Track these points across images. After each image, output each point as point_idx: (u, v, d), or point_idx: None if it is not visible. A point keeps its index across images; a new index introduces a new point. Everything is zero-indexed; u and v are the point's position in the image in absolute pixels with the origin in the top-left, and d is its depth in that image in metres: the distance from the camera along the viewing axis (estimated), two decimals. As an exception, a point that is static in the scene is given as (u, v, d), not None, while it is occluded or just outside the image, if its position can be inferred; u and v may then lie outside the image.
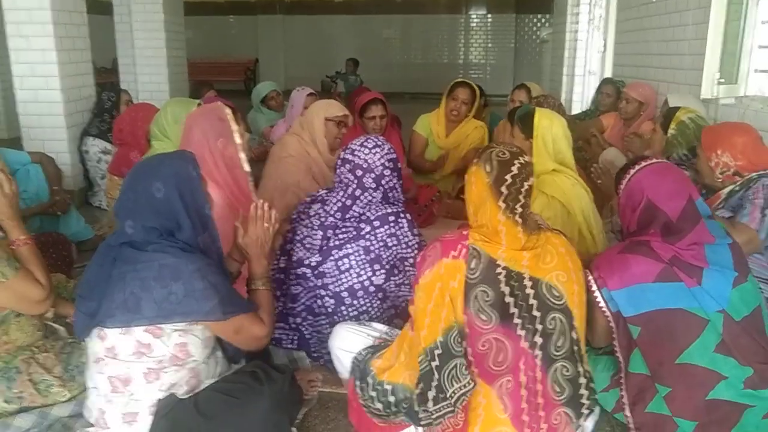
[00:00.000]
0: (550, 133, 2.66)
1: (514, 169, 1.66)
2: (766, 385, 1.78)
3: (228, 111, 2.51)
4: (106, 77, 8.87)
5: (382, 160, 2.28)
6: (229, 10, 14.31)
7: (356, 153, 2.29)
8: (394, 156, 2.33)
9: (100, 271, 1.69)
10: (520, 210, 1.67)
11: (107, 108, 4.55)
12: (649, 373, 1.84)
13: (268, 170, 3.25)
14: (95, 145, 4.46)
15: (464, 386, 1.63)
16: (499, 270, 1.64)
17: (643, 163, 1.93)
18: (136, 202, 1.69)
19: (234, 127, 2.48)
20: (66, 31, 4.40)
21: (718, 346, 1.78)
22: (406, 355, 1.74)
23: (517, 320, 1.64)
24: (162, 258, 1.65)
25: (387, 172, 2.28)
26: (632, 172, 1.93)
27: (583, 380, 1.70)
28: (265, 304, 1.92)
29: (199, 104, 3.22)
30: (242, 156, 2.48)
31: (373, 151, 2.29)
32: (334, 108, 3.35)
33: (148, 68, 6.51)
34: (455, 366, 1.62)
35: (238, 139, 2.47)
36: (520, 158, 1.69)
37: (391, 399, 1.73)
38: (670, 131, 2.97)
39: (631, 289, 1.82)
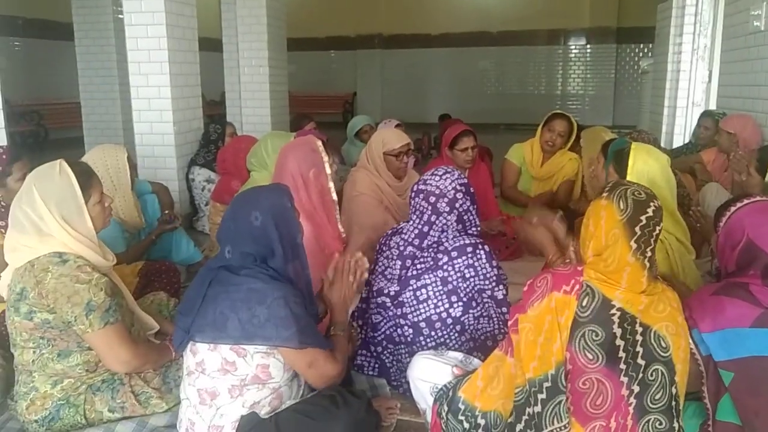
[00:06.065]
0: (646, 177, 2.44)
1: (650, 211, 1.65)
2: None
3: (319, 143, 2.65)
4: (215, 109, 9.47)
5: (454, 185, 2.32)
6: (330, 46, 14.89)
7: (428, 182, 2.35)
8: (465, 181, 2.36)
9: (198, 291, 1.83)
10: (649, 254, 1.65)
11: (213, 139, 4.82)
12: (741, 423, 1.74)
13: (345, 208, 3.27)
14: (201, 174, 4.74)
15: (563, 427, 1.61)
16: (613, 311, 1.62)
17: (746, 201, 1.84)
18: (236, 229, 1.84)
19: (325, 158, 2.61)
20: (179, 69, 4.76)
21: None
22: (501, 382, 1.73)
23: (623, 366, 1.61)
24: (252, 282, 1.77)
25: (459, 195, 2.31)
26: (733, 209, 1.85)
27: None
28: (341, 348, 1.99)
29: (295, 137, 3.39)
30: (331, 185, 2.61)
31: (444, 177, 2.34)
32: (391, 141, 3.35)
33: (252, 102, 6.85)
34: (560, 403, 1.61)
35: (328, 169, 2.61)
36: (655, 201, 1.69)
37: (482, 422, 1.73)
38: None
39: (724, 332, 1.73)
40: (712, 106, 5.62)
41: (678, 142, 6.22)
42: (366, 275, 2.12)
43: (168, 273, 3.06)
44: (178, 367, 2.15)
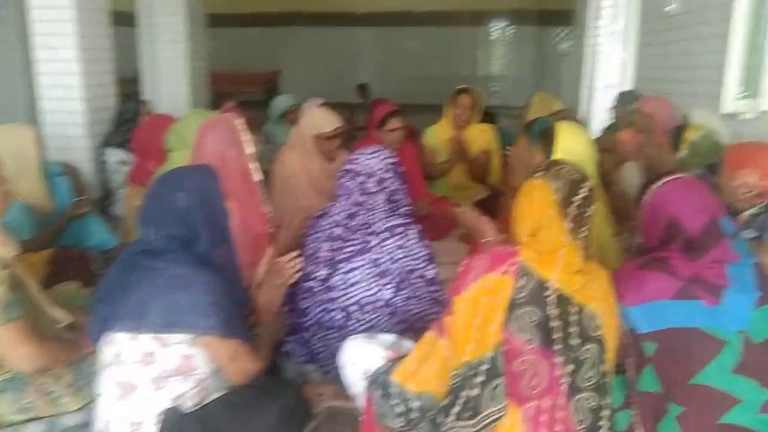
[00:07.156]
0: (573, 153, 2.48)
1: (583, 192, 1.66)
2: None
3: (239, 121, 2.53)
4: (130, 88, 9.00)
5: (382, 164, 2.30)
6: (252, 22, 14.48)
7: (356, 161, 2.33)
8: (394, 160, 2.35)
9: (118, 277, 1.73)
10: (584, 234, 1.66)
11: (128, 118, 4.59)
12: (661, 391, 1.80)
13: (275, 191, 3.23)
14: (115, 155, 4.49)
15: (500, 410, 1.60)
16: (548, 292, 1.62)
17: (668, 178, 1.90)
18: (159, 211, 1.74)
19: (245, 137, 2.50)
20: (90, 43, 4.47)
21: (736, 367, 1.72)
22: (435, 365, 1.70)
23: (557, 346, 1.62)
24: (176, 268, 1.68)
25: (388, 175, 2.30)
26: (656, 186, 1.90)
27: (605, 412, 1.67)
28: (263, 346, 1.94)
29: (217, 116, 3.25)
30: (253, 165, 2.50)
31: (372, 155, 2.33)
32: (323, 124, 3.30)
33: (170, 79, 6.57)
34: (497, 385, 1.60)
35: (249, 149, 2.50)
36: (589, 181, 1.69)
37: (415, 405, 1.70)
38: (682, 153, 2.91)
39: (647, 305, 1.78)
40: (628, 88, 5.82)
41: (597, 123, 6.43)
42: (296, 277, 2.07)
43: (81, 260, 2.90)
44: (91, 362, 2.02)
